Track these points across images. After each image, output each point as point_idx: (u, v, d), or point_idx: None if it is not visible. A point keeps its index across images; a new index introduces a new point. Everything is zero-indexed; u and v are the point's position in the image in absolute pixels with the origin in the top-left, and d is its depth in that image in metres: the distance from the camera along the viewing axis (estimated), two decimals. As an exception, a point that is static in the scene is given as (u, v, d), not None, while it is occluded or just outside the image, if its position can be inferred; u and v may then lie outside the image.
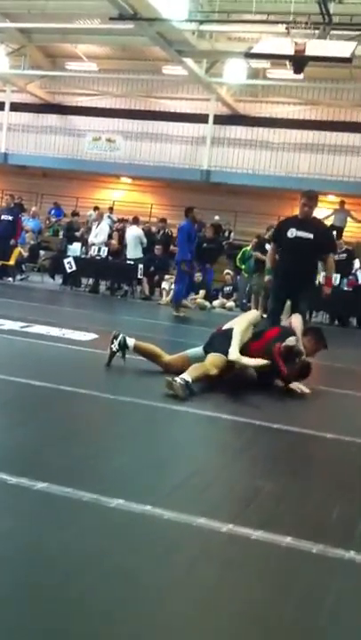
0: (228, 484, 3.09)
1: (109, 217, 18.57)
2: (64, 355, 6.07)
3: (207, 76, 20.41)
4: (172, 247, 15.51)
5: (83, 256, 15.23)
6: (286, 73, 17.53)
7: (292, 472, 3.37)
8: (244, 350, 5.16)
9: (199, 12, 16.88)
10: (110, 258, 15.26)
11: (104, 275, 15.32)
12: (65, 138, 25.44)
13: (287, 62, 14.37)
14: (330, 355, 6.58)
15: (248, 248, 15.07)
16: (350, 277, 14.32)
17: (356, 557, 2.38)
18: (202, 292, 15.03)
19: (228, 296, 15.57)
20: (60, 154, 25.24)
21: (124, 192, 25.22)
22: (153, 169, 23.60)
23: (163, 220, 18.30)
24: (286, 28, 13.49)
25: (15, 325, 7.16)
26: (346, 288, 13.99)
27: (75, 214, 19.47)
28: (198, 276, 14.92)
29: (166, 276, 14.81)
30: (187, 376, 4.72)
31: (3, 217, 14.41)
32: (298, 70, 13.38)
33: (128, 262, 14.92)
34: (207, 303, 14.79)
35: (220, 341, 5.25)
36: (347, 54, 12.46)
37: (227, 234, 20.76)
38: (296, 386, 5.24)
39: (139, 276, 14.77)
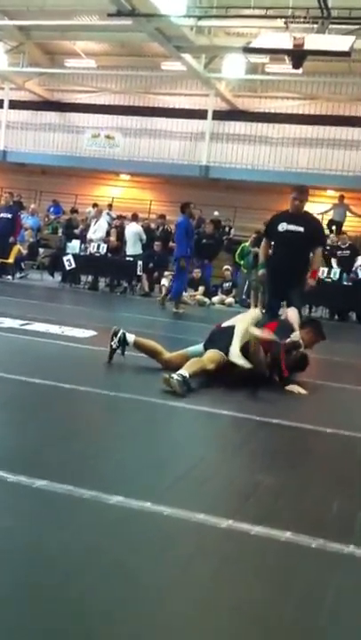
0: (228, 480, 3.09)
1: (108, 214, 18.55)
2: (63, 352, 6.07)
3: (206, 72, 20.38)
4: (170, 244, 15.50)
5: (82, 253, 15.22)
6: (285, 68, 17.51)
7: (292, 467, 3.38)
8: (244, 348, 5.16)
9: (197, 7, 16.82)
10: (109, 255, 15.25)
11: (103, 272, 15.32)
12: (64, 135, 25.41)
13: (286, 57, 14.34)
14: (329, 349, 6.58)
15: (247, 244, 15.06)
16: (351, 274, 14.33)
17: (355, 551, 2.38)
18: (201, 289, 15.03)
19: (227, 292, 15.57)
20: (58, 151, 25.22)
21: (123, 189, 25.20)
22: (152, 165, 23.57)
23: (162, 217, 18.30)
24: (285, 23, 13.43)
25: (14, 323, 7.15)
26: (346, 283, 14.00)
27: (74, 211, 19.47)
28: (197, 272, 14.92)
29: (165, 273, 14.80)
30: (184, 372, 4.72)
31: (2, 215, 14.38)
32: (297, 65, 13.34)
33: (127, 259, 14.91)
34: (206, 299, 14.79)
35: (220, 338, 5.25)
36: (345, 48, 12.41)
37: (227, 229, 20.76)
38: (293, 388, 5.24)
39: (138, 273, 14.77)
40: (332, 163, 22.01)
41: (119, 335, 5.38)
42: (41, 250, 18.57)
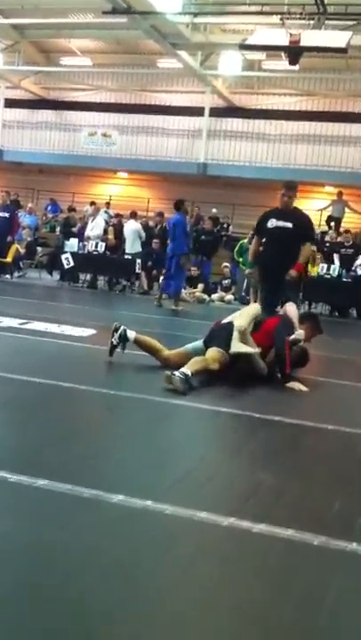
0: (229, 478, 3.08)
1: (106, 212, 18.51)
2: (63, 351, 6.06)
3: (202, 69, 20.33)
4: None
5: (80, 252, 15.19)
6: (282, 64, 17.46)
7: (293, 465, 3.37)
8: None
9: (193, 4, 16.78)
10: (108, 253, 15.23)
11: (102, 270, 15.30)
12: (60, 133, 25.36)
13: (282, 53, 14.30)
14: (329, 346, 6.57)
15: (245, 241, 15.04)
16: (351, 272, 14.32)
17: (358, 549, 2.37)
18: (200, 286, 15.01)
19: (226, 289, 15.55)
20: (55, 149, 25.16)
21: (120, 187, 25.16)
22: (149, 163, 23.52)
23: (160, 214, 18.26)
24: (281, 19, 13.40)
25: (13, 322, 7.14)
26: (345, 279, 13.99)
27: (71, 210, 19.43)
28: (194, 270, 14.93)
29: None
30: (186, 370, 4.71)
31: (-1, 214, 14.36)
32: (293, 61, 13.31)
33: (126, 257, 14.89)
34: (206, 297, 14.77)
35: (220, 335, 5.25)
36: (342, 44, 12.38)
37: (225, 226, 20.74)
38: (293, 385, 5.23)
39: (137, 271, 14.74)
40: (330, 159, 21.98)
41: (120, 331, 5.39)
42: (39, 249, 18.53)
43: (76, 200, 23.16)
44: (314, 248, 11.19)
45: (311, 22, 13.37)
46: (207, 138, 22.73)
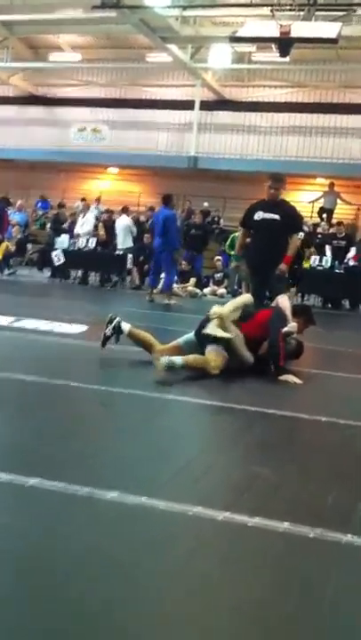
0: (224, 472, 3.05)
1: (97, 207, 18.45)
2: (55, 348, 6.02)
3: (192, 62, 20.28)
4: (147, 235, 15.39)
5: (71, 248, 15.14)
6: (272, 56, 17.42)
7: (288, 457, 3.34)
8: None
9: (182, -3, 16.75)
10: (99, 249, 15.18)
11: (93, 266, 15.26)
12: (50, 129, 25.24)
13: (273, 45, 14.26)
14: (322, 337, 6.55)
15: (237, 234, 15.00)
16: (344, 264, 14.33)
17: (354, 541, 2.35)
18: (192, 280, 14.98)
19: (218, 283, 15.53)
20: (46, 146, 25.05)
21: (111, 182, 25.10)
22: (140, 157, 23.45)
23: (151, 209, 18.21)
24: (271, 11, 13.36)
25: (4, 320, 7.09)
26: (337, 271, 13.99)
27: (61, 206, 19.36)
28: (186, 265, 14.93)
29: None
30: (178, 359, 4.75)
31: (-12, 212, 14.31)
32: (284, 53, 13.27)
33: (118, 252, 14.85)
34: (198, 291, 14.75)
35: (206, 325, 5.26)
36: (333, 35, 12.36)
37: (215, 219, 20.72)
38: (287, 377, 5.21)
39: (128, 266, 14.71)
40: (322, 150, 21.96)
41: (114, 323, 5.38)
42: (29, 246, 18.47)
43: (66, 196, 23.07)
44: (299, 242, 11.19)
45: (301, 13, 13.34)
46: (198, 131, 22.67)
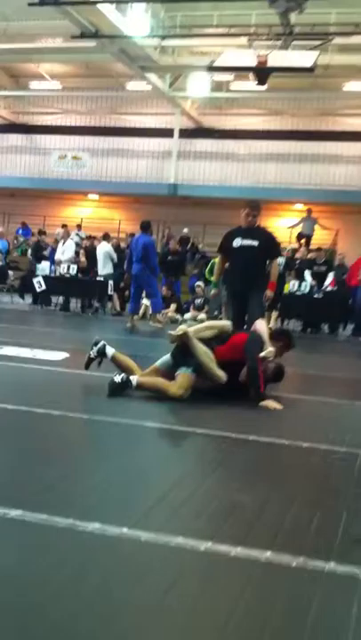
0: (205, 501, 3.04)
1: (77, 234, 18.48)
2: (36, 376, 5.98)
3: (171, 91, 20.53)
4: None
5: (52, 274, 15.13)
6: (250, 84, 17.65)
7: (270, 484, 3.34)
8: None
9: (161, 27, 16.96)
10: (80, 275, 15.18)
11: (74, 292, 15.24)
12: (31, 157, 25.37)
13: (250, 74, 14.47)
14: (302, 362, 6.56)
15: (217, 259, 15.08)
16: (321, 289, 14.43)
17: (336, 569, 2.35)
18: (173, 306, 15.01)
19: (199, 308, 15.56)
20: (26, 173, 25.14)
21: (92, 208, 25.19)
22: (120, 185, 23.62)
23: (132, 235, 18.26)
24: (248, 41, 13.58)
25: (-15, 347, 7.05)
26: (316, 296, 14.08)
27: (41, 233, 19.39)
28: (166, 291, 14.99)
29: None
30: (133, 378, 5.01)
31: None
32: (261, 82, 13.44)
33: (98, 279, 14.86)
34: (179, 316, 14.77)
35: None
36: (309, 64, 12.55)
37: (198, 246, 20.83)
38: (268, 403, 5.22)
39: (109, 292, 14.72)
40: (300, 177, 22.25)
41: (99, 346, 5.44)
42: (10, 272, 18.41)
43: (47, 223, 23.14)
44: (281, 267, 11.30)
45: (278, 43, 13.57)
46: (177, 159, 22.89)
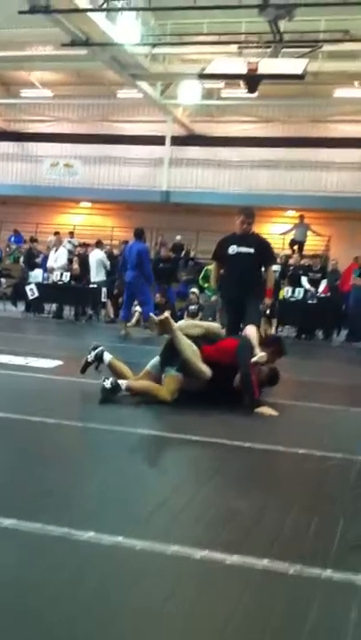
0: (202, 508, 3.03)
1: (70, 241, 18.46)
2: (29, 383, 5.96)
3: (162, 99, 20.55)
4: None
5: (45, 282, 15.10)
6: (240, 92, 17.71)
7: (266, 491, 3.33)
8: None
9: (151, 35, 17.00)
10: (73, 282, 15.16)
11: (67, 300, 15.21)
12: (23, 164, 25.34)
13: (241, 82, 14.51)
14: (297, 368, 6.56)
15: (210, 266, 15.09)
16: (315, 296, 14.45)
17: (333, 575, 2.34)
18: (167, 313, 14.99)
19: (193, 315, 15.54)
20: (18, 181, 25.11)
21: (84, 216, 25.18)
22: (112, 192, 23.61)
23: (125, 242, 18.26)
24: (238, 48, 13.64)
25: (-22, 356, 7.02)
26: (310, 301, 14.09)
27: (33, 240, 19.36)
28: (160, 297, 14.97)
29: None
30: (122, 381, 5.03)
31: None
32: (252, 89, 13.47)
33: (91, 286, 14.84)
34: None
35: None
36: (299, 71, 12.59)
37: (190, 253, 20.84)
38: (263, 410, 5.21)
39: (102, 300, 14.70)
40: (292, 183, 22.27)
41: (97, 351, 5.46)
42: (3, 280, 18.37)
43: (40, 230, 23.11)
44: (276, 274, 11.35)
45: (268, 50, 13.62)
46: (169, 166, 22.91)
